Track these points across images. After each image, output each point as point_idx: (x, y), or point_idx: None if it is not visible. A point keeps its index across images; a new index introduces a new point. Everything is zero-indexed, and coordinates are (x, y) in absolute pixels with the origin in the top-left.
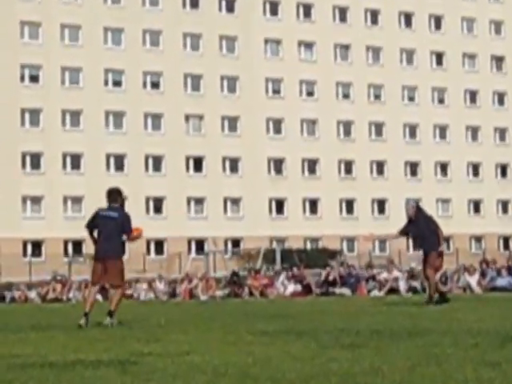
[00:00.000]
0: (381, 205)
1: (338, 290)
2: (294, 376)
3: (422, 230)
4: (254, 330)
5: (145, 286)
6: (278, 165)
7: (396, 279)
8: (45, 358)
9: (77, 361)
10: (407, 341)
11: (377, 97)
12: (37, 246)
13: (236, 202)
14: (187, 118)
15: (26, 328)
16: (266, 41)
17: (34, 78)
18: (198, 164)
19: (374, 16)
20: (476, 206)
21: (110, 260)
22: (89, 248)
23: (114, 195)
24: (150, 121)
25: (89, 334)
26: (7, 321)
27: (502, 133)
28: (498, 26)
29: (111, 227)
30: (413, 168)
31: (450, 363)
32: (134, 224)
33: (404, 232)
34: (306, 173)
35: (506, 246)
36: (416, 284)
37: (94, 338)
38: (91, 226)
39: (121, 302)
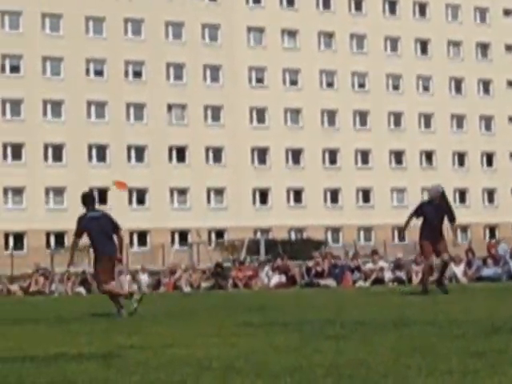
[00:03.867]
0: (365, 194)
1: (322, 282)
2: (279, 368)
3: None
4: (238, 321)
5: (128, 277)
6: (261, 154)
7: (381, 269)
8: (26, 352)
9: (59, 354)
10: (392, 332)
11: (361, 85)
12: (18, 238)
13: (220, 192)
14: (170, 107)
15: (7, 321)
16: (249, 29)
17: (15, 69)
18: (181, 154)
19: (358, 3)
20: (462, 195)
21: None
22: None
23: (91, 198)
24: (132, 111)
25: (71, 327)
26: None
27: (487, 121)
28: (483, 13)
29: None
30: (397, 157)
31: (435, 354)
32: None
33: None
34: (290, 162)
35: (492, 236)
36: (401, 274)
37: (76, 331)
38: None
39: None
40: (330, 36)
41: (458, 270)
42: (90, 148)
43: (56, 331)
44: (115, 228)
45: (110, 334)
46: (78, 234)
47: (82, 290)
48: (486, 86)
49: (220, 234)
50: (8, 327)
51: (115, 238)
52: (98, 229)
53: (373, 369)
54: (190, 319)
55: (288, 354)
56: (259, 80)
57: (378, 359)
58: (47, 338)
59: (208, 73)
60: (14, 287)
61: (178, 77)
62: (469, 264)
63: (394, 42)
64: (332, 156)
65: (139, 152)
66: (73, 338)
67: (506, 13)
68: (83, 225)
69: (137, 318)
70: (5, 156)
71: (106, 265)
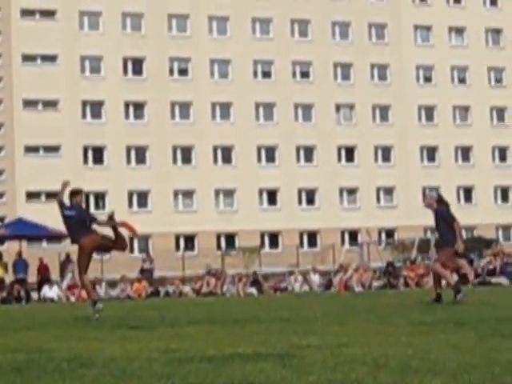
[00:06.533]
0: None
1: (494, 280)
2: (455, 366)
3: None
4: (412, 320)
5: (299, 278)
6: (430, 153)
7: None
8: (203, 352)
9: (235, 354)
10: None
11: None
12: (189, 240)
13: (389, 191)
14: (338, 107)
15: (182, 322)
16: (416, 27)
17: (183, 72)
18: (350, 154)
19: None
20: None
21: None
22: (242, 241)
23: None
24: (300, 111)
25: (245, 327)
26: (163, 315)
27: None
28: None
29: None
30: None
31: None
32: None
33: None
34: (460, 160)
35: None
36: None
37: (250, 331)
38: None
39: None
40: (497, 32)
41: None
42: (259, 149)
43: (231, 331)
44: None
45: (286, 334)
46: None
47: (253, 290)
48: None
49: (390, 233)
50: (183, 328)
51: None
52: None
53: None
54: (363, 319)
55: (464, 353)
56: (427, 78)
57: None
58: (223, 338)
59: (375, 72)
60: (186, 288)
61: (346, 76)
62: None
63: None
64: (502, 153)
65: (308, 152)
66: (248, 338)
67: None
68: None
69: (311, 318)
70: (175, 159)
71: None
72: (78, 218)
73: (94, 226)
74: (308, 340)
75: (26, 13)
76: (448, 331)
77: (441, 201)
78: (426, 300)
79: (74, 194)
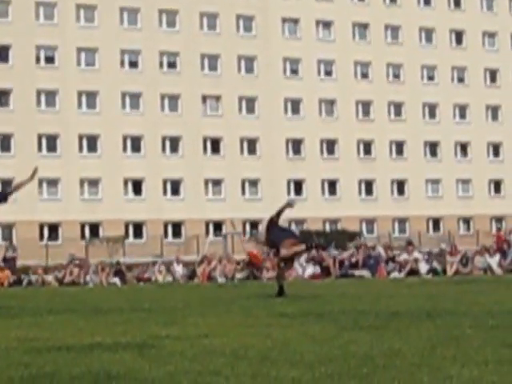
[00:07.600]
0: (400, 186)
1: (357, 272)
2: (313, 358)
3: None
4: (273, 312)
5: (163, 268)
6: (296, 146)
7: (416, 260)
8: (62, 342)
9: (94, 344)
10: (427, 322)
11: (396, 76)
12: (53, 229)
13: (254, 183)
14: (204, 98)
15: (43, 312)
16: (284, 20)
17: (50, 59)
18: (216, 145)
19: None
20: (497, 187)
21: None
22: (106, 231)
23: None
24: (166, 102)
25: (106, 317)
26: (24, 305)
27: None
28: None
29: None
30: (432, 148)
31: (470, 344)
32: None
33: None
34: (325, 154)
35: None
36: (436, 265)
37: (111, 321)
38: None
39: None
40: (364, 27)
41: (493, 261)
42: (124, 139)
43: (91, 321)
44: None
45: (146, 324)
46: None
47: (116, 280)
48: None
49: (254, 224)
50: (43, 317)
51: None
52: None
53: (407, 359)
54: (224, 310)
55: (323, 345)
56: (294, 71)
57: (413, 350)
58: (83, 327)
59: (242, 64)
60: (49, 278)
61: (213, 67)
62: (504, 255)
63: (428, 33)
64: (367, 147)
65: (174, 143)
66: (108, 328)
67: None
68: None
69: (172, 309)
70: (40, 147)
71: None
72: None
73: None
74: (168, 330)
75: None
76: (308, 323)
77: (272, 223)
78: (274, 293)
79: None
